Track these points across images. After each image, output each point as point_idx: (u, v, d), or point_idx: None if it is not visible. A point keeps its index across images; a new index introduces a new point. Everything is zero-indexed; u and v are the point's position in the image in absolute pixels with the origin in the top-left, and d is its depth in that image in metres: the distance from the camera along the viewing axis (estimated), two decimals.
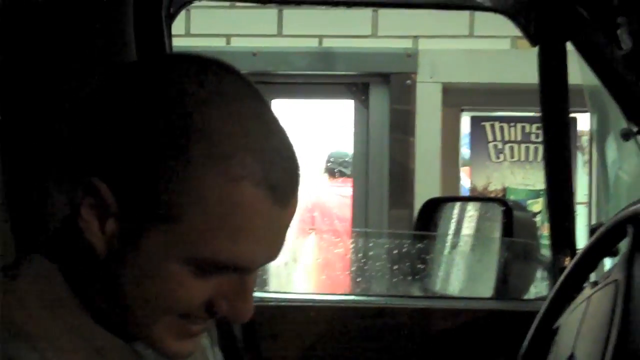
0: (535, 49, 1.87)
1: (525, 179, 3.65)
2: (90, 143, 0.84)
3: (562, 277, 1.58)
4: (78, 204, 0.83)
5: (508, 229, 2.07)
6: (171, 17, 1.64)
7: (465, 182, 3.67)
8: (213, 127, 0.79)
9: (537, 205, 3.59)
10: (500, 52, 3.43)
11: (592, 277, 1.55)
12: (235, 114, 0.81)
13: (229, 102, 0.82)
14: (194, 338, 0.90)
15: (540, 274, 2.11)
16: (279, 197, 0.82)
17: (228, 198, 0.79)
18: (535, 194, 3.62)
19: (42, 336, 0.82)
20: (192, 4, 1.77)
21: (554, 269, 1.91)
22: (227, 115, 0.81)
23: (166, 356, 0.91)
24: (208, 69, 0.85)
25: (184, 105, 0.80)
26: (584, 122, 3.47)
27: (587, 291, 1.49)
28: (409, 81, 3.41)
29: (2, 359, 0.78)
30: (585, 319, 1.41)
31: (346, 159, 3.72)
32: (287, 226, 0.86)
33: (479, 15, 3.36)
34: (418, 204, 3.22)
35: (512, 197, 3.52)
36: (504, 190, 3.65)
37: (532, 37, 1.81)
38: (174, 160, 0.79)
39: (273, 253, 0.86)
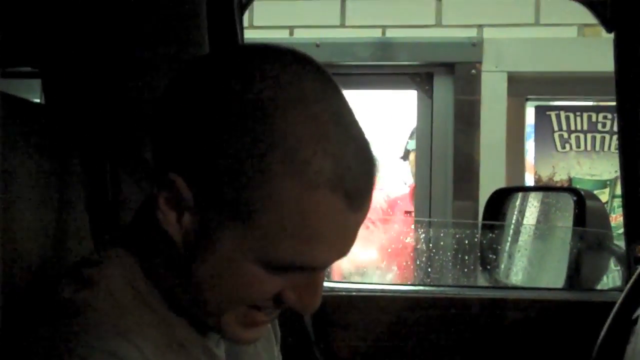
0: (603, 37, 1.83)
1: (592, 169, 3.59)
2: (167, 138, 0.85)
3: None
4: (156, 197, 0.85)
5: (580, 218, 2.03)
6: (243, 8, 1.64)
7: (528, 178, 3.62)
8: (291, 131, 0.79)
9: (604, 196, 3.53)
10: (566, 40, 3.37)
11: None
12: (314, 117, 0.80)
13: (308, 104, 0.81)
14: (261, 326, 0.92)
15: (613, 264, 2.08)
16: (354, 202, 0.82)
17: (304, 204, 0.79)
18: (602, 184, 3.56)
19: (136, 330, 0.84)
20: None
21: (628, 259, 1.88)
22: (305, 118, 0.80)
23: (233, 342, 0.95)
24: (287, 65, 0.83)
25: (262, 108, 0.80)
26: None
27: None
28: (473, 71, 3.37)
29: (103, 352, 0.79)
30: None
31: None
32: (359, 227, 0.86)
33: (545, 3, 3.31)
34: (483, 196, 3.20)
35: (578, 187, 3.47)
36: (570, 180, 3.59)
37: (608, 23, 1.77)
38: (251, 163, 0.79)
39: (344, 253, 0.87)
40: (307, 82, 0.82)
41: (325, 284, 1.91)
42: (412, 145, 3.66)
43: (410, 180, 3.74)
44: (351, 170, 0.81)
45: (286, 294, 0.86)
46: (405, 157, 3.74)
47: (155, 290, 0.90)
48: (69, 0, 1.28)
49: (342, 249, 0.86)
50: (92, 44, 1.33)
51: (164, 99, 0.87)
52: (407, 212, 3.63)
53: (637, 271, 1.54)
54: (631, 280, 1.55)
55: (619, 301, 1.55)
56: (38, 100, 1.84)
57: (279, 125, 0.79)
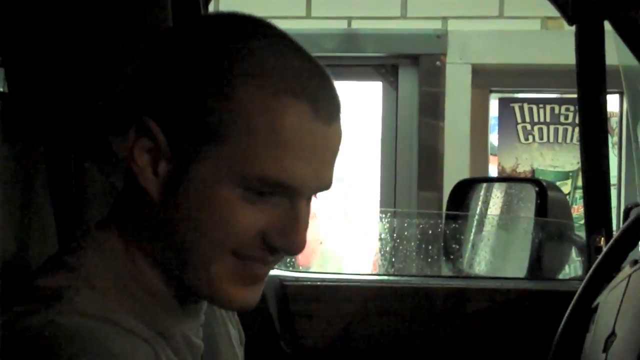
0: (566, 30, 1.85)
1: (554, 160, 3.63)
2: (139, 87, 0.89)
3: (600, 256, 1.57)
4: (131, 150, 0.86)
5: (542, 209, 2.06)
6: (207, 1, 1.64)
7: (491, 169, 3.65)
8: (253, 52, 0.84)
9: (566, 187, 3.57)
10: (530, 32, 3.41)
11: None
12: (273, 42, 0.86)
13: (267, 35, 0.87)
14: (256, 286, 0.90)
15: (575, 254, 2.11)
16: (320, 112, 0.84)
17: (270, 111, 0.82)
18: (564, 176, 3.61)
19: (115, 319, 0.83)
20: None
21: (589, 249, 1.91)
22: (265, 42, 0.86)
23: (227, 306, 0.94)
24: (247, 16, 0.90)
25: (225, 39, 0.85)
26: (612, 103, 3.45)
27: (627, 270, 1.49)
28: (438, 62, 3.40)
29: (90, 338, 0.79)
30: (625, 298, 1.41)
31: None
32: (333, 149, 0.88)
33: None
34: (447, 187, 3.22)
35: (540, 178, 3.51)
36: (533, 172, 3.63)
37: (570, 16, 1.79)
38: (216, 83, 0.83)
39: (321, 176, 0.87)
40: (267, 25, 0.89)
41: (290, 274, 1.93)
42: None
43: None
44: (313, 82, 0.85)
45: (269, 231, 0.85)
46: None
47: (138, 275, 0.89)
48: None
49: (318, 170, 0.86)
50: (55, 32, 1.32)
51: (138, 59, 0.92)
52: None
53: (597, 260, 1.57)
54: (591, 270, 1.58)
55: (579, 290, 1.58)
56: (1, 90, 1.83)
57: (240, 48, 0.84)
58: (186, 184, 0.85)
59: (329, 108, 0.86)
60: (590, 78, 1.86)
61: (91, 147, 1.32)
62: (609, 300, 1.49)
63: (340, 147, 0.89)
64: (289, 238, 0.86)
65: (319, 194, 0.91)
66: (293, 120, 0.83)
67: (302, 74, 0.85)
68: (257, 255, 0.87)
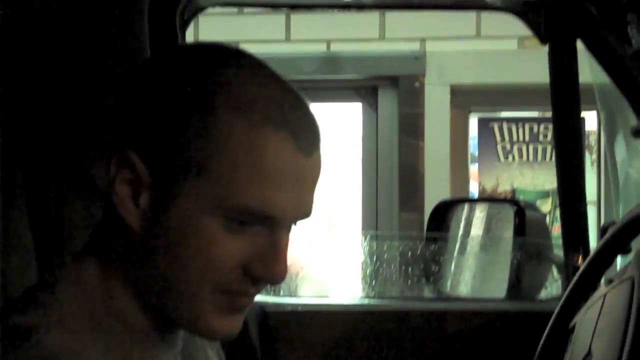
0: (543, 49, 1.87)
1: (534, 179, 3.65)
2: (119, 119, 0.89)
3: (576, 276, 1.58)
4: (112, 183, 0.86)
5: (520, 229, 2.07)
6: (185, 25, 1.65)
7: (472, 186, 3.66)
8: (233, 83, 0.85)
9: (546, 206, 3.59)
10: (507, 52, 3.43)
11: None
12: (253, 73, 0.87)
13: (247, 65, 0.88)
14: (239, 315, 0.90)
15: (553, 273, 2.12)
16: (301, 143, 0.85)
17: (252, 142, 0.83)
18: (544, 194, 3.62)
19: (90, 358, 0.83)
20: (202, 12, 1.78)
21: (567, 268, 1.92)
22: (246, 73, 0.87)
23: (210, 336, 0.94)
24: (226, 46, 0.92)
25: (203, 69, 0.87)
26: (591, 121, 3.47)
27: (602, 289, 1.49)
28: (417, 83, 3.42)
29: None
30: (601, 317, 1.41)
31: None
32: (313, 179, 0.89)
33: (486, 16, 3.36)
34: (428, 207, 3.23)
35: (521, 197, 3.52)
36: (513, 191, 3.65)
37: (542, 35, 1.81)
38: (198, 115, 0.84)
39: (302, 206, 0.88)
40: (245, 55, 0.91)
41: (271, 299, 1.93)
42: None
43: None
44: (293, 113, 0.86)
45: (250, 261, 0.86)
46: None
47: (115, 308, 0.89)
48: (12, 21, 1.28)
49: (299, 200, 0.87)
50: (33, 63, 1.32)
51: (119, 90, 0.92)
52: None
53: (573, 280, 1.57)
54: (567, 289, 1.58)
55: (556, 310, 1.58)
56: None
57: (220, 79, 0.85)
58: (167, 214, 0.85)
59: (309, 138, 0.87)
60: (564, 97, 1.87)
61: (71, 177, 1.32)
62: (585, 320, 1.49)
63: (320, 176, 0.90)
64: (270, 267, 0.87)
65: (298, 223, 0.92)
66: (274, 152, 0.83)
67: (283, 105, 0.85)
68: (238, 289, 0.87)
